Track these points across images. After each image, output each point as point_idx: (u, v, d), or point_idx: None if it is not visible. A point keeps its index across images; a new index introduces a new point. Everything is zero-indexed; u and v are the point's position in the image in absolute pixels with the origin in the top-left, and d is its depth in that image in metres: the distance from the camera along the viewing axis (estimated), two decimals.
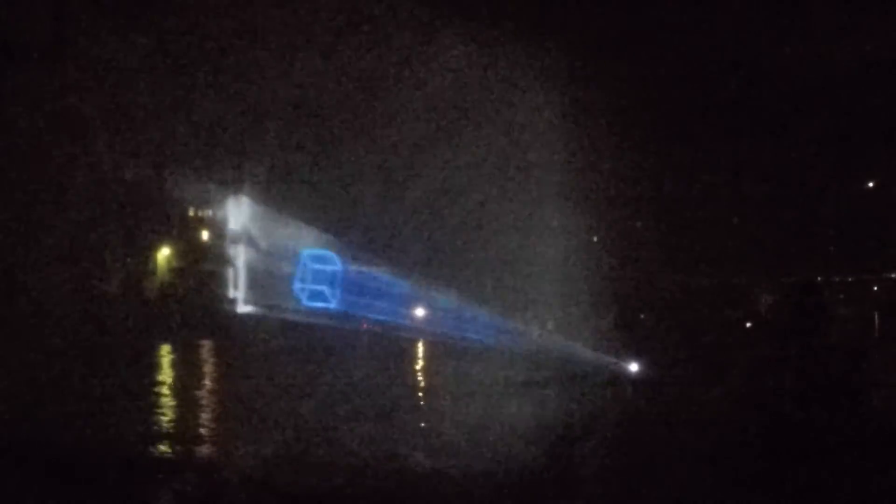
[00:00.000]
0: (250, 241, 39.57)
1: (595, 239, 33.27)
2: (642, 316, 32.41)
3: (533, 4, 33.92)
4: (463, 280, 32.28)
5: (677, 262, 34.36)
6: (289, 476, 10.98)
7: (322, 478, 10.88)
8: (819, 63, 32.04)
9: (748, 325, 32.17)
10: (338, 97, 32.04)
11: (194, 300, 37.70)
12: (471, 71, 29.73)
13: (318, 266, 38.43)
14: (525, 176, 30.82)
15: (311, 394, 17.86)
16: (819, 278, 34.54)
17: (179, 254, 40.18)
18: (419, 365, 26.68)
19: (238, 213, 40.13)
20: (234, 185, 39.11)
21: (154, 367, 23.62)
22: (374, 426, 14.21)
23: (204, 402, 18.13)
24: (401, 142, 31.89)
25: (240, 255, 40.21)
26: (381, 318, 33.15)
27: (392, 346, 28.01)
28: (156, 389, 19.07)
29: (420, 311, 35.42)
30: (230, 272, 40.38)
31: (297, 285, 38.19)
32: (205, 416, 16.17)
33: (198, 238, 41.01)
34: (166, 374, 23.16)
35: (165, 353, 27.34)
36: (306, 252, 38.42)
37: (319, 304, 37.10)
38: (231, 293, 39.81)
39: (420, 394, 20.06)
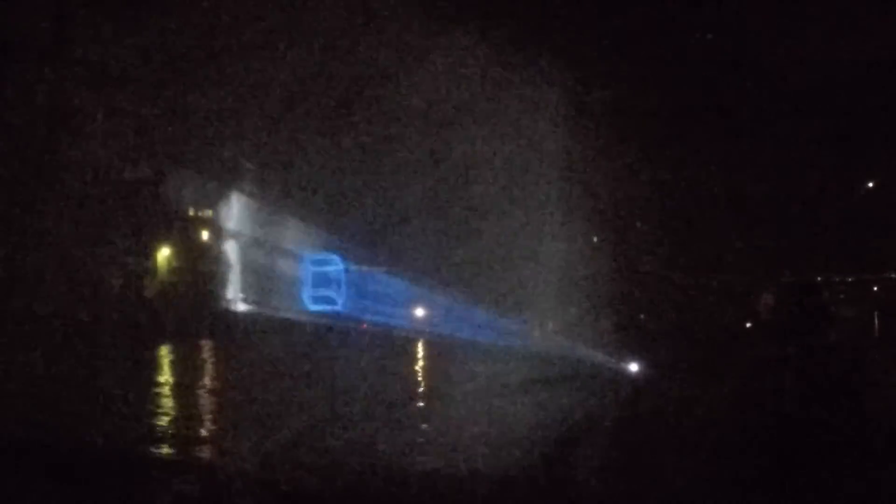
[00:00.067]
0: (250, 241, 39.58)
1: (595, 239, 33.27)
2: (642, 316, 32.42)
3: (533, 4, 33.90)
4: (463, 280, 32.29)
5: (677, 262, 34.35)
6: (289, 476, 10.98)
7: (322, 478, 10.88)
8: (819, 63, 32.04)
9: (748, 325, 32.16)
10: (339, 97, 32.06)
11: (194, 300, 37.72)
12: (472, 70, 29.75)
13: (322, 269, 38.48)
14: (525, 176, 30.84)
15: (311, 394, 17.87)
16: (819, 278, 34.53)
17: (179, 254, 40.18)
18: (419, 365, 26.70)
19: (238, 212, 40.13)
20: (234, 184, 39.12)
21: (154, 367, 23.63)
22: (374, 426, 14.22)
23: (204, 402, 18.15)
24: (402, 142, 31.91)
25: (240, 255, 40.22)
26: (381, 318, 33.19)
27: (392, 346, 28.05)
28: (156, 390, 19.08)
29: (420, 311, 35.44)
30: (230, 272, 40.39)
31: (303, 290, 38.27)
32: (205, 417, 16.18)
33: (198, 238, 41.01)
34: (166, 375, 23.17)
35: (165, 354, 27.37)
36: (310, 256, 38.48)
37: (326, 308, 37.16)
38: (231, 293, 39.83)
39: (420, 394, 20.07)
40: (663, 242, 33.59)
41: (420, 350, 29.46)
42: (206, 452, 12.91)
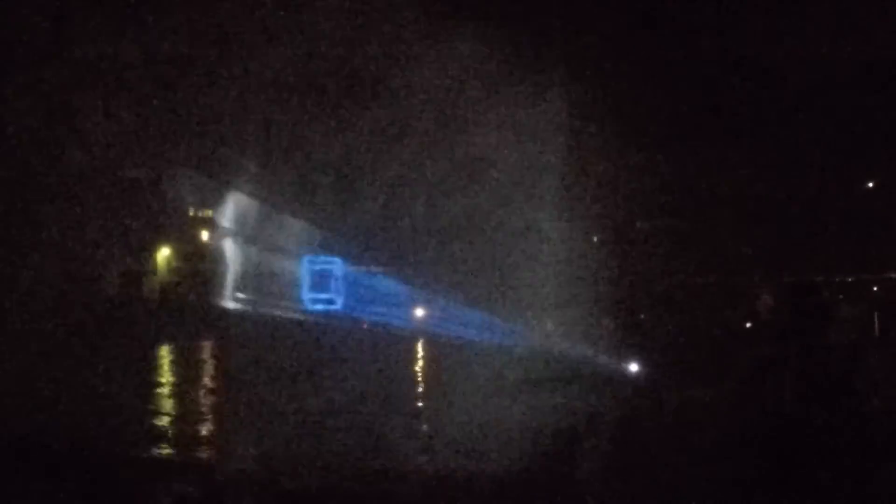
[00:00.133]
0: (250, 241, 39.57)
1: (595, 239, 33.26)
2: (642, 316, 32.39)
3: (534, 4, 33.91)
4: (463, 280, 32.28)
5: (677, 262, 34.34)
6: (288, 476, 10.98)
7: (322, 478, 10.87)
8: (819, 63, 32.03)
9: (748, 325, 32.14)
10: (339, 97, 32.05)
11: (194, 300, 37.72)
12: (472, 71, 29.73)
13: (321, 270, 38.47)
14: (525, 176, 30.83)
15: (310, 394, 17.86)
16: (819, 278, 34.51)
17: (179, 254, 40.17)
18: (419, 365, 26.70)
19: (238, 213, 40.12)
20: (234, 184, 39.10)
21: (154, 367, 23.63)
22: (374, 426, 14.21)
23: (203, 402, 18.15)
24: (402, 142, 31.90)
25: (240, 255, 40.20)
26: (380, 317, 33.18)
27: (392, 346, 28.03)
28: (155, 390, 19.08)
29: (420, 311, 35.44)
30: (230, 272, 40.37)
31: (303, 293, 38.27)
32: (204, 417, 16.18)
33: (198, 238, 41.00)
34: (166, 375, 23.17)
35: (165, 354, 27.36)
36: (310, 258, 38.48)
37: (325, 308, 37.16)
38: (231, 293, 39.81)
39: (420, 394, 20.07)
40: (663, 242, 33.59)
41: (420, 350, 29.46)
42: (205, 453, 12.92)
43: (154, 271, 39.44)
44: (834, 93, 32.68)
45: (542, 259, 30.30)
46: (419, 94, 30.69)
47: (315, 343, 28.00)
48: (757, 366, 21.23)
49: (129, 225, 35.34)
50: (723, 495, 10.30)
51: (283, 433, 13.47)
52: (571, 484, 11.00)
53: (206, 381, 22.23)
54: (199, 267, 40.17)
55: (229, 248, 40.67)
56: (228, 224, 40.61)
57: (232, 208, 40.21)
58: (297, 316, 35.21)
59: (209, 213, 41.00)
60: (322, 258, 38.55)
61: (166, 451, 12.84)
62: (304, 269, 38.84)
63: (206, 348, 29.48)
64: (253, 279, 39.10)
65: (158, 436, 13.83)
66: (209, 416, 16.25)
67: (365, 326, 33.12)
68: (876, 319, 30.99)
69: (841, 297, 34.51)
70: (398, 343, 29.25)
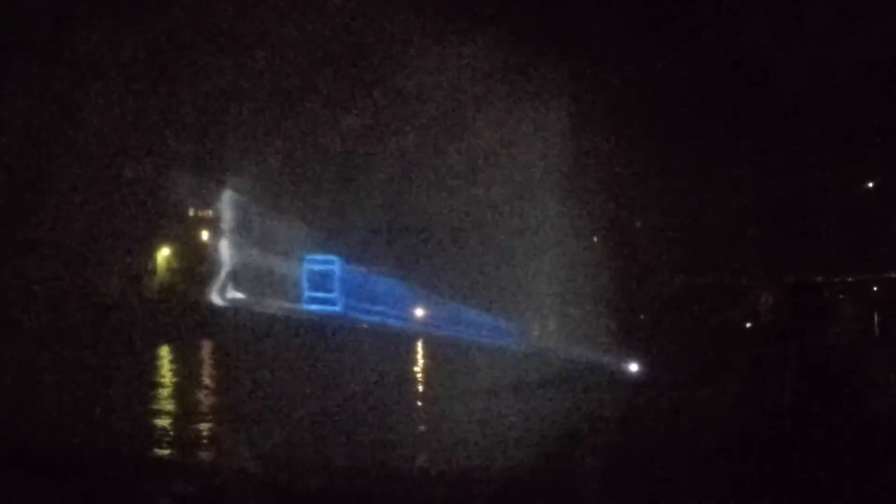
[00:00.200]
0: (250, 241, 39.56)
1: (595, 239, 33.24)
2: (642, 316, 32.39)
3: (534, 5, 33.90)
4: (462, 280, 32.27)
5: (677, 262, 34.34)
6: (288, 476, 10.98)
7: (322, 478, 10.87)
8: (819, 63, 32.03)
9: (748, 325, 32.14)
10: (339, 97, 32.04)
11: (194, 300, 37.72)
12: (472, 71, 29.73)
13: (320, 269, 38.46)
14: (525, 176, 30.82)
15: (311, 394, 17.87)
16: (819, 278, 34.50)
17: (179, 254, 40.18)
18: (419, 365, 26.71)
19: (238, 212, 40.11)
20: (234, 184, 39.10)
21: (154, 367, 23.62)
22: (374, 426, 14.21)
23: (203, 402, 18.15)
24: (402, 142, 31.90)
25: (239, 255, 40.19)
26: (380, 317, 33.17)
27: (391, 346, 28.03)
28: (155, 390, 19.08)
29: (419, 311, 35.43)
30: (230, 272, 40.37)
31: (301, 290, 38.26)
32: (204, 417, 16.19)
33: (198, 238, 41.01)
34: (166, 375, 23.17)
35: (165, 354, 27.36)
36: (309, 257, 38.46)
37: (324, 308, 37.14)
38: (230, 293, 39.80)
39: (420, 394, 20.07)
40: (663, 242, 33.59)
41: (419, 350, 29.46)
42: (205, 453, 12.92)
43: (154, 271, 39.43)
44: (834, 93, 32.67)
45: (542, 259, 30.29)
46: (419, 94, 30.69)
47: (314, 343, 28.01)
48: (757, 366, 21.25)
49: (129, 225, 35.32)
50: (723, 495, 10.30)
51: (282, 433, 13.47)
52: (571, 484, 11.00)
53: (206, 380, 22.24)
54: (199, 267, 40.14)
55: (229, 247, 40.67)
56: (228, 224, 40.62)
57: (232, 208, 40.19)
58: (296, 315, 35.19)
59: (209, 213, 41.00)
60: (321, 258, 38.54)
61: (166, 451, 12.84)
62: (302, 268, 38.83)
63: (206, 348, 29.49)
64: (252, 279, 39.08)
65: (158, 436, 13.83)
66: (209, 416, 16.26)
67: (365, 326, 33.10)
68: (876, 319, 30.99)
69: (841, 297, 34.51)
70: (398, 343, 29.25)
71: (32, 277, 30.10)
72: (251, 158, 35.93)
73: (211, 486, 10.93)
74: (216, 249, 40.78)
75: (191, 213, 40.70)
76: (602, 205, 31.75)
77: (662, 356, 22.49)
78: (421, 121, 30.92)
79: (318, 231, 37.01)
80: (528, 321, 30.68)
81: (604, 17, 33.65)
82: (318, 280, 38.59)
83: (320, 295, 38.13)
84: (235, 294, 39.69)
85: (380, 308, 33.78)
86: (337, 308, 36.97)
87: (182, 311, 34.58)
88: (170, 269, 39.84)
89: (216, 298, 39.22)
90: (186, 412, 16.40)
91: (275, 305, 36.40)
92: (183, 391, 19.69)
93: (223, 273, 40.33)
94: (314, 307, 37.51)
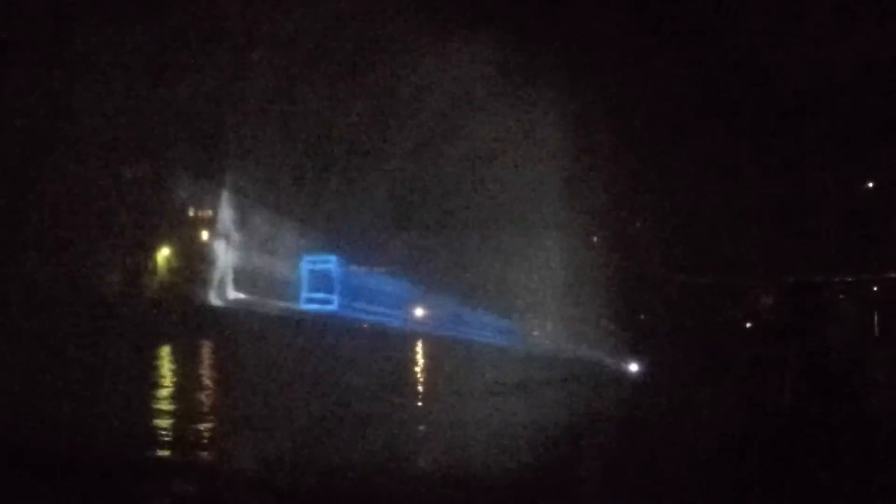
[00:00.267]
0: (249, 241, 39.54)
1: (595, 239, 33.24)
2: (642, 316, 32.40)
3: (535, 6, 33.91)
4: (463, 280, 32.27)
5: (677, 262, 34.35)
6: (288, 476, 10.97)
7: (322, 478, 10.87)
8: (819, 63, 32.04)
9: (748, 325, 32.17)
10: (339, 98, 32.02)
11: (194, 300, 37.68)
12: (471, 71, 29.71)
13: (319, 269, 38.43)
14: (525, 176, 30.80)
15: (311, 394, 17.85)
16: (819, 278, 34.53)
17: (179, 254, 40.14)
18: (419, 365, 26.69)
19: (238, 212, 40.08)
20: (233, 184, 39.07)
21: (154, 367, 23.61)
22: (374, 426, 14.20)
23: (204, 402, 18.13)
24: (402, 142, 31.88)
25: (239, 255, 40.17)
26: (379, 317, 33.15)
27: (392, 346, 28.02)
28: (156, 390, 19.06)
29: (419, 311, 35.41)
30: (229, 272, 40.35)
31: (300, 291, 38.24)
32: (205, 417, 16.17)
33: (198, 238, 40.98)
34: (166, 375, 23.16)
35: (165, 354, 27.35)
36: (308, 257, 38.43)
37: (322, 307, 37.11)
38: (230, 293, 39.78)
39: (420, 394, 20.06)
40: (663, 242, 33.59)
41: (419, 350, 29.45)
42: (205, 452, 12.90)
43: (154, 271, 39.40)
44: (834, 93, 32.69)
45: (543, 259, 30.29)
46: (419, 95, 30.68)
47: (314, 343, 27.98)
48: (757, 366, 21.29)
49: (128, 225, 35.29)
50: (723, 495, 10.30)
51: (282, 433, 13.46)
52: (571, 484, 11.00)
53: (206, 380, 22.22)
54: (199, 266, 40.11)
55: (228, 248, 40.65)
56: (228, 224, 40.59)
57: (231, 208, 40.15)
58: (295, 315, 35.16)
59: (209, 213, 40.96)
60: (320, 258, 38.52)
61: (166, 451, 12.83)
62: (302, 268, 38.80)
63: (206, 348, 29.47)
64: (252, 279, 39.05)
65: (158, 436, 13.82)
66: (209, 416, 16.24)
67: (364, 326, 33.08)
68: (876, 319, 31.01)
69: (841, 297, 34.55)
70: (398, 343, 29.25)
71: (33, 277, 30.07)
72: (251, 159, 35.91)
73: (211, 485, 10.92)
74: (216, 249, 40.75)
75: (191, 213, 40.66)
76: (602, 205, 31.75)
77: (662, 356, 22.49)
78: (421, 121, 30.91)
79: (318, 231, 36.99)
80: (528, 321, 30.68)
81: (604, 17, 33.65)
82: (318, 280, 38.56)
83: (319, 295, 38.11)
84: (235, 294, 39.67)
85: (379, 308, 33.75)
86: (336, 308, 36.95)
87: (182, 311, 34.53)
88: (170, 269, 39.80)
89: (216, 298, 39.20)
90: (186, 412, 16.38)
91: (274, 305, 36.37)
92: (183, 391, 19.67)
93: (223, 273, 40.31)
94: (313, 307, 37.48)
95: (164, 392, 19.30)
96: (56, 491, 9.88)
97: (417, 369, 25.45)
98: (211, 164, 37.34)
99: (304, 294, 38.50)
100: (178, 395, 18.97)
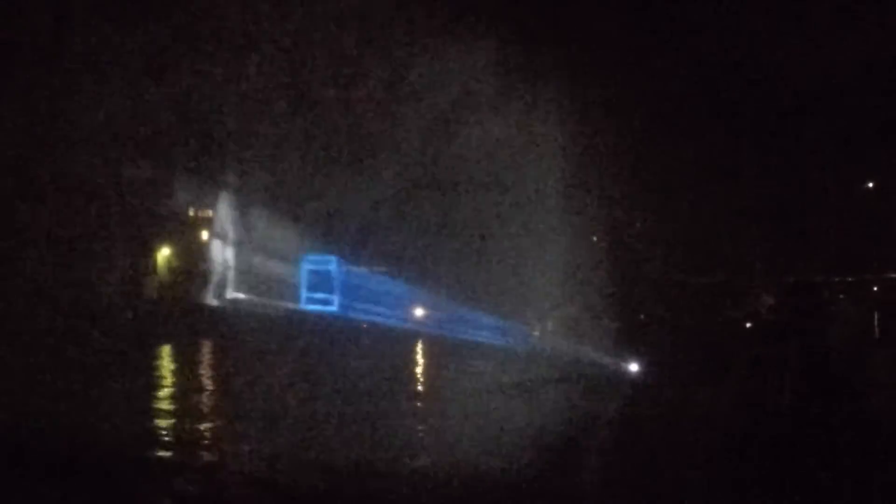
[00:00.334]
0: (250, 242, 39.55)
1: (595, 239, 33.24)
2: (642, 316, 32.39)
3: (535, 7, 33.91)
4: (463, 280, 32.27)
5: (677, 262, 34.37)
6: (288, 476, 10.98)
7: (322, 478, 10.87)
8: (819, 63, 32.05)
9: (748, 325, 32.15)
10: (340, 97, 32.04)
11: (194, 300, 37.70)
12: (471, 71, 29.73)
13: (319, 269, 38.44)
14: (525, 176, 30.81)
15: (311, 394, 17.86)
16: (819, 278, 34.54)
17: (179, 254, 40.15)
18: (419, 365, 26.68)
19: (237, 213, 40.10)
20: (233, 184, 39.09)
21: (155, 367, 23.61)
22: (374, 426, 14.21)
23: (204, 402, 18.13)
24: (402, 142, 31.90)
25: (239, 256, 40.19)
26: (379, 317, 33.14)
27: (392, 346, 28.01)
28: (156, 390, 19.06)
29: (419, 311, 35.41)
30: (229, 272, 40.36)
31: (300, 291, 38.25)
32: (205, 417, 16.17)
33: (198, 238, 40.99)
34: (166, 375, 23.15)
35: (165, 354, 27.34)
36: (308, 257, 38.44)
37: (322, 308, 37.13)
38: (230, 293, 39.80)
39: (420, 394, 20.06)
40: (663, 242, 33.61)
41: (419, 350, 29.43)
42: (206, 453, 12.90)
43: (154, 271, 39.40)
44: (834, 93, 32.70)
45: (543, 259, 30.29)
46: (419, 95, 30.70)
47: (314, 343, 27.98)
48: (757, 366, 21.28)
49: (129, 225, 35.30)
50: (723, 495, 10.30)
51: (282, 433, 13.47)
52: (571, 484, 11.00)
53: (206, 380, 22.21)
54: (199, 267, 40.13)
55: (228, 248, 40.66)
56: (228, 224, 40.60)
57: (231, 208, 40.19)
58: (295, 315, 35.17)
59: (209, 213, 40.98)
60: (320, 258, 38.53)
61: (167, 450, 12.83)
62: (301, 268, 38.82)
63: (206, 348, 29.47)
64: (252, 279, 39.08)
65: (159, 435, 13.82)
66: (209, 416, 16.24)
67: (364, 326, 33.09)
68: (876, 319, 31.00)
69: (841, 297, 34.56)
70: (398, 343, 29.24)
71: (33, 277, 30.08)
72: (251, 159, 35.94)
73: (211, 485, 10.92)
74: (216, 249, 40.77)
75: (191, 213, 40.67)
76: (602, 205, 31.77)
77: (662, 356, 22.48)
78: (421, 121, 30.92)
79: (318, 231, 37.01)
80: (529, 321, 30.67)
81: (604, 17, 33.67)
82: (318, 280, 38.57)
83: (319, 295, 38.12)
84: (235, 294, 39.69)
85: (379, 308, 33.75)
86: (336, 308, 36.95)
87: (182, 311, 34.53)
88: (170, 270, 39.79)
89: (216, 298, 39.21)
90: (186, 412, 16.37)
91: (274, 305, 36.38)
92: (183, 391, 19.67)
93: (223, 273, 40.33)
94: (313, 307, 37.49)
95: (165, 392, 19.29)
96: (56, 491, 9.88)
97: (418, 369, 25.44)
98: (211, 164, 37.37)
99: (304, 294, 38.52)
100: (179, 394, 18.97)
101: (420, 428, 15.03)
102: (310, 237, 37.38)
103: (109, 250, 34.30)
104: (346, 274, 37.81)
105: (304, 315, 35.72)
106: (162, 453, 12.61)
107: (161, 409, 16.48)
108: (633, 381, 20.02)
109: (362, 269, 37.54)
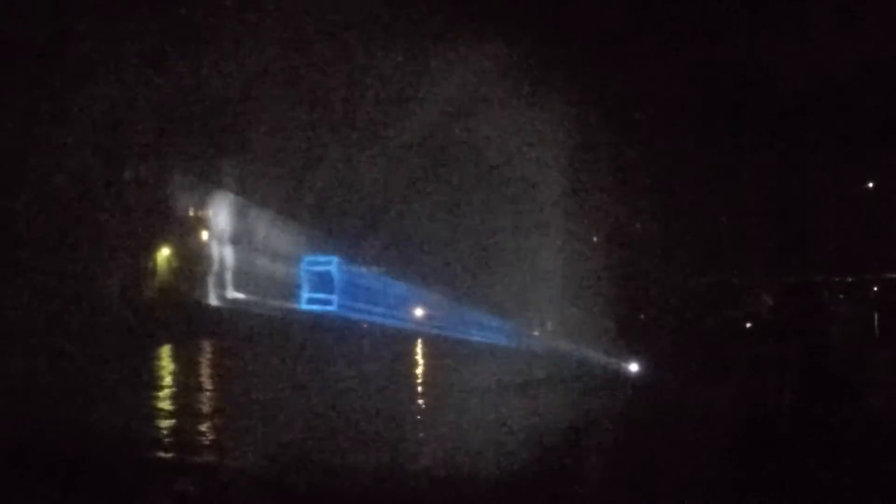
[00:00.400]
0: (249, 242, 39.56)
1: (595, 239, 33.24)
2: (642, 316, 32.39)
3: (534, 8, 33.92)
4: (463, 280, 32.27)
5: (677, 262, 34.36)
6: (289, 476, 10.98)
7: (323, 478, 10.88)
8: (819, 63, 32.06)
9: (748, 325, 32.15)
10: (341, 98, 32.04)
11: (194, 300, 37.71)
12: (471, 71, 29.73)
13: (318, 269, 38.45)
14: (526, 176, 30.82)
15: (311, 394, 17.86)
16: (819, 278, 34.57)
17: (179, 254, 40.17)
18: (419, 365, 26.70)
19: (237, 213, 40.12)
20: (234, 185, 39.11)
21: (155, 367, 23.62)
22: (374, 426, 14.21)
23: (205, 402, 18.14)
24: (401, 142, 31.90)
25: (239, 256, 40.21)
26: (379, 317, 33.16)
27: (392, 346, 28.03)
28: (156, 391, 19.07)
29: (419, 311, 35.42)
30: (229, 272, 40.38)
31: (300, 291, 38.27)
32: (206, 417, 16.18)
33: (198, 238, 41.00)
34: (166, 375, 23.17)
35: (166, 354, 27.36)
36: (308, 257, 38.45)
37: (322, 308, 37.14)
38: (232, 294, 39.81)
39: (420, 393, 20.07)
40: (663, 242, 33.60)
41: (419, 350, 29.45)
42: (206, 453, 12.91)
43: (154, 271, 39.41)
44: (834, 93, 32.72)
45: (543, 259, 30.29)
46: (420, 95, 30.70)
47: (315, 343, 27.99)
48: (757, 366, 21.28)
49: (129, 225, 35.30)
50: (723, 495, 10.31)
51: (283, 433, 13.47)
52: (571, 484, 11.00)
53: (206, 380, 22.24)
54: (199, 267, 40.16)
55: (228, 248, 40.69)
56: (228, 224, 40.63)
57: (232, 208, 40.21)
58: (295, 316, 35.18)
59: (209, 213, 41.00)
60: (320, 258, 38.54)
61: (167, 451, 12.84)
62: (301, 268, 38.83)
63: (206, 348, 29.49)
64: (252, 279, 39.10)
65: (159, 436, 13.83)
66: (209, 416, 16.25)
67: (364, 326, 33.10)
68: (876, 319, 31.02)
69: (841, 296, 34.59)
70: (397, 343, 29.25)
71: (33, 278, 30.08)
72: (251, 159, 35.94)
73: (212, 486, 10.93)
74: (216, 250, 40.79)
75: (191, 213, 40.69)
76: (602, 206, 31.76)
77: (662, 356, 22.47)
78: (421, 122, 30.92)
79: (318, 231, 37.02)
80: (529, 321, 30.66)
81: (604, 17, 33.67)
82: (318, 280, 38.58)
83: (319, 295, 38.13)
84: (235, 294, 39.70)
85: (379, 308, 33.77)
86: (336, 308, 36.96)
87: (182, 312, 34.55)
88: (170, 270, 39.81)
89: (216, 298, 39.23)
90: (187, 412, 16.38)
91: (274, 305, 36.39)
92: (183, 391, 19.68)
93: (223, 273, 40.35)
94: (313, 307, 37.51)
95: (165, 392, 19.31)
96: (56, 491, 9.89)
97: (418, 370, 25.45)
98: (211, 164, 37.39)
99: (305, 294, 38.55)
100: (179, 395, 18.98)
101: (420, 427, 15.04)
102: (310, 237, 37.38)
103: (109, 250, 34.29)
104: (346, 274, 37.81)
105: (305, 315, 35.73)
106: (162, 453, 12.62)
107: (161, 409, 16.50)
108: (633, 381, 20.02)
109: (362, 269, 37.53)
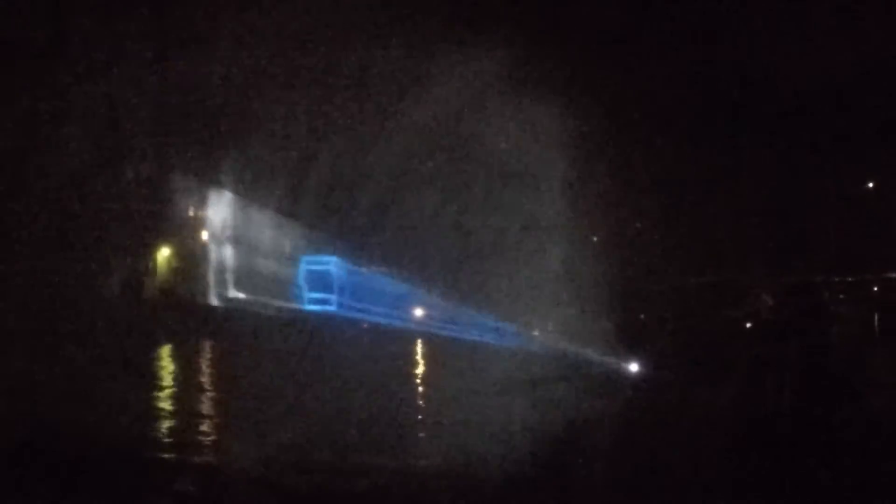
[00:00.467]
0: (249, 242, 39.58)
1: (595, 239, 33.23)
2: (642, 316, 32.39)
3: (533, 9, 33.93)
4: (462, 280, 32.27)
5: (677, 262, 34.35)
6: (289, 476, 10.99)
7: (323, 478, 10.88)
8: (819, 63, 32.04)
9: (748, 325, 32.13)
10: (341, 98, 32.03)
11: (194, 300, 37.72)
12: (471, 71, 29.72)
13: (318, 269, 38.47)
14: (524, 175, 30.80)
15: (312, 394, 17.86)
16: (819, 278, 34.55)
17: (180, 254, 40.19)
18: (418, 364, 26.72)
19: (237, 213, 40.14)
20: (233, 184, 39.12)
21: (155, 368, 23.63)
22: (374, 425, 14.22)
23: (204, 402, 18.16)
24: (401, 142, 31.89)
25: (239, 256, 40.22)
26: (379, 317, 33.18)
27: (392, 346, 28.04)
28: (156, 391, 19.08)
29: (419, 311, 35.43)
30: (230, 272, 40.39)
31: (300, 291, 38.30)
32: (205, 416, 16.19)
33: (198, 238, 41.01)
34: (166, 375, 23.17)
35: (166, 354, 27.37)
36: (308, 257, 38.48)
37: (322, 308, 37.16)
38: (231, 293, 39.83)
39: (420, 393, 20.08)
40: (663, 242, 33.59)
41: (419, 350, 29.47)
42: (206, 453, 12.92)
43: (154, 271, 39.43)
44: (834, 93, 32.71)
45: (542, 258, 30.28)
46: (419, 95, 30.68)
47: (314, 343, 27.99)
48: (757, 366, 21.27)
49: (129, 225, 35.30)
50: (723, 495, 10.31)
51: (283, 433, 13.47)
52: (571, 484, 11.00)
53: (207, 381, 22.24)
54: (199, 267, 40.17)
55: (228, 247, 40.70)
56: (228, 224, 40.64)
57: (231, 208, 40.22)
58: (295, 316, 35.19)
59: (209, 213, 41.01)
60: (320, 258, 38.55)
61: (167, 451, 12.85)
62: (301, 268, 38.86)
63: (206, 348, 29.50)
64: (252, 279, 39.11)
65: (159, 436, 13.84)
66: (210, 416, 16.26)
67: (364, 326, 33.11)
68: (876, 319, 31.02)
69: (841, 296, 34.57)
70: (398, 343, 29.26)
71: (32, 278, 30.08)
72: (251, 159, 35.94)
73: (212, 486, 10.93)
74: (216, 250, 40.80)
75: (191, 213, 40.69)
76: (602, 205, 31.74)
77: (662, 356, 22.48)
78: (421, 121, 30.90)
79: (318, 231, 37.03)
80: (528, 321, 30.66)
81: (604, 17, 33.68)
82: (318, 280, 38.60)
83: (319, 295, 38.15)
84: (235, 294, 39.71)
85: (379, 308, 33.78)
86: (336, 308, 36.97)
87: (182, 311, 34.56)
88: (170, 270, 39.84)
89: (216, 298, 39.24)
90: (187, 413, 16.39)
91: (274, 305, 36.41)
92: (184, 391, 19.69)
93: (223, 273, 40.36)
94: (313, 307, 37.52)
95: (165, 392, 19.31)
96: (56, 491, 9.89)
97: (418, 369, 25.46)
98: (211, 164, 37.40)
99: (305, 294, 38.56)
100: (179, 395, 18.99)
101: (421, 427, 15.05)
102: (310, 237, 37.39)
103: (109, 250, 34.30)
104: (346, 274, 37.82)
105: (304, 315, 35.73)
106: (162, 453, 12.63)
107: (162, 409, 16.51)
108: (633, 381, 20.02)
109: (362, 269, 37.54)
